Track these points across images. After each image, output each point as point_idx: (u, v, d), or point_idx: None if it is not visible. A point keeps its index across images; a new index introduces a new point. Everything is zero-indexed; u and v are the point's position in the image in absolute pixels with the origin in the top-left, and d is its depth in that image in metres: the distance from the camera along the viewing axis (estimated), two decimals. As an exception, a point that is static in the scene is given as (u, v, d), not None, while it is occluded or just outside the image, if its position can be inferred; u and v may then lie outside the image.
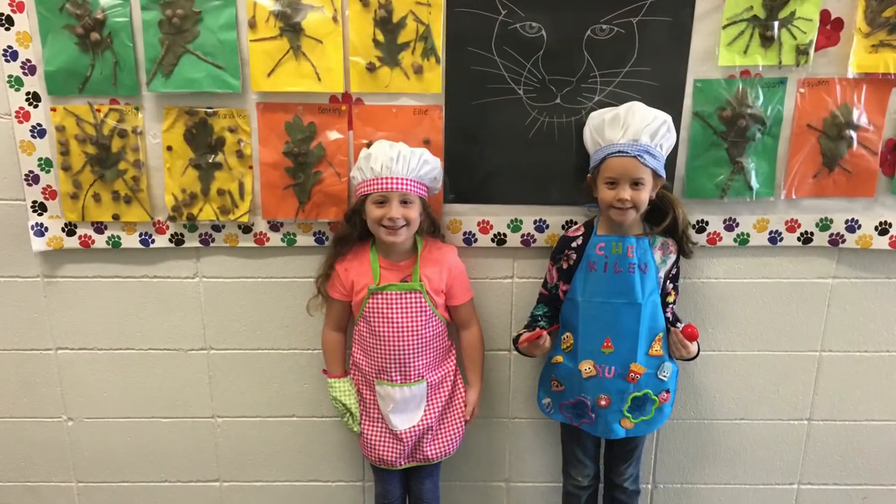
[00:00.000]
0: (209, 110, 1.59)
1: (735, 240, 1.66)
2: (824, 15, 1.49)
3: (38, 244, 1.69)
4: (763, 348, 1.77)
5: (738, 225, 1.65)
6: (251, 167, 1.63)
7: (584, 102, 1.56)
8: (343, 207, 1.64)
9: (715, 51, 1.52)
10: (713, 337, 1.76)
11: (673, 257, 1.55)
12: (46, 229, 1.68)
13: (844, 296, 1.73)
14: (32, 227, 1.67)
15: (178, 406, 1.86)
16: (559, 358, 1.59)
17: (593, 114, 1.53)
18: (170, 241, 1.70)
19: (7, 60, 1.56)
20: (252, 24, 1.52)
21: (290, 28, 1.53)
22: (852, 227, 1.64)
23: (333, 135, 1.61)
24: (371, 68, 1.55)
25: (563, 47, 1.52)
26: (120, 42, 1.54)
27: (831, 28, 1.50)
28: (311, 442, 1.90)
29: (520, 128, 1.58)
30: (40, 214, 1.68)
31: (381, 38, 1.53)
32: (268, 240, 1.69)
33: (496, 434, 1.87)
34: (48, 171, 1.64)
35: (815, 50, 1.51)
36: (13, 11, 1.53)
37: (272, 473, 1.93)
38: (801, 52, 1.50)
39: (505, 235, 1.67)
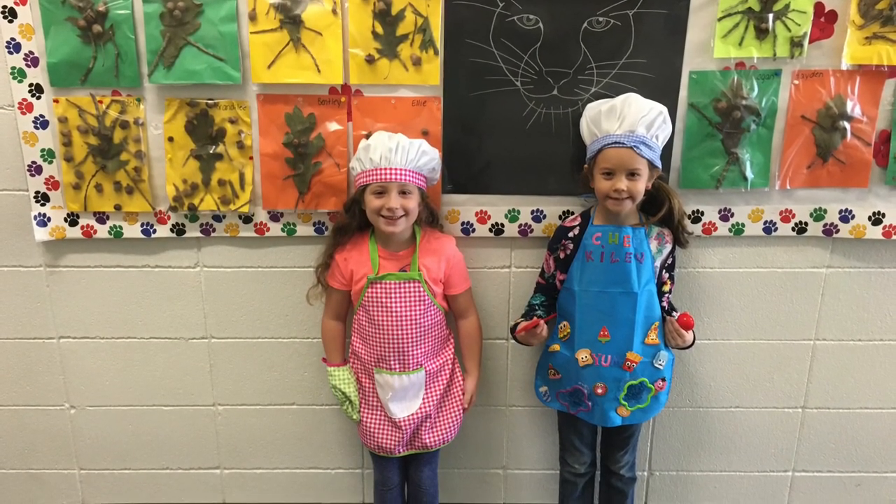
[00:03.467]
0: (210, 101, 1.65)
1: (730, 230, 1.72)
2: (818, 7, 1.55)
3: (41, 234, 1.74)
4: (758, 337, 1.84)
5: (732, 215, 1.71)
6: (251, 158, 1.69)
7: (580, 94, 1.62)
8: (342, 198, 1.69)
9: (710, 43, 1.57)
10: (708, 326, 1.83)
11: (669, 247, 1.61)
12: (49, 219, 1.74)
13: (838, 285, 1.79)
14: (35, 218, 1.73)
15: (180, 394, 1.93)
16: (556, 347, 1.65)
17: (590, 105, 1.58)
18: (171, 231, 1.76)
19: (10, 52, 1.61)
20: (252, 17, 1.58)
21: (290, 20, 1.58)
22: (846, 217, 1.70)
23: (333, 126, 1.67)
24: (370, 60, 1.61)
25: (559, 39, 1.58)
26: (122, 34, 1.59)
27: (825, 20, 1.56)
28: (311, 430, 1.96)
29: (517, 119, 1.64)
30: (43, 205, 1.73)
31: (380, 30, 1.59)
32: (268, 230, 1.75)
33: (494, 422, 1.94)
34: (51, 162, 1.70)
35: (809, 42, 1.57)
36: (16, 4, 1.58)
37: (272, 461, 2.00)
38: (796, 44, 1.56)
39: (502, 225, 1.74)
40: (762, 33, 1.55)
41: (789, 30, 1.55)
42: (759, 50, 1.57)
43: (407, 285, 1.61)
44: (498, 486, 2.02)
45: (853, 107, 1.61)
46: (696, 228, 1.72)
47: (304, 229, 1.76)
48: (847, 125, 1.62)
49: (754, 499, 2.01)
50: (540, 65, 1.60)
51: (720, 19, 1.56)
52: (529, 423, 1.94)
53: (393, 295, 1.60)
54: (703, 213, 1.71)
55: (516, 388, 1.90)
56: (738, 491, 2.00)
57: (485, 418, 1.93)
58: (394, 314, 1.61)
